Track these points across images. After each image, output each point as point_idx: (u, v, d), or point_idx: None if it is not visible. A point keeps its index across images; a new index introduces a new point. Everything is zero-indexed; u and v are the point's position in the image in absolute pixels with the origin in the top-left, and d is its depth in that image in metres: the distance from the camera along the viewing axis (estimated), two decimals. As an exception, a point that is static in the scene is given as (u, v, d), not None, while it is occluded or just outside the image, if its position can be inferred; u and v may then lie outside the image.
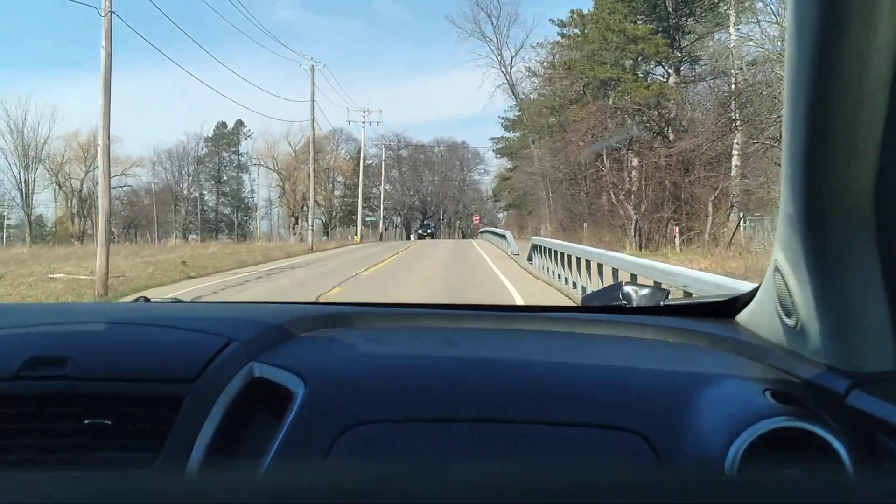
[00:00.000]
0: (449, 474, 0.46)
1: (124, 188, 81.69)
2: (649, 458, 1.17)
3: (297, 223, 78.41)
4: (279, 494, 0.44)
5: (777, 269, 1.29)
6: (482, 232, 62.29)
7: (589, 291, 7.45)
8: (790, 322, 1.29)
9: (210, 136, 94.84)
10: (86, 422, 1.31)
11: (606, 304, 1.94)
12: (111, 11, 17.08)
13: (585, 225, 35.41)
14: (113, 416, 1.31)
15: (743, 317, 1.62)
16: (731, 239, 24.69)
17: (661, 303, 1.87)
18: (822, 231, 1.09)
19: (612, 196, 30.66)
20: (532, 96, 48.13)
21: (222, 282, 20.21)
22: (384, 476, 0.45)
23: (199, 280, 21.53)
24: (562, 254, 18.09)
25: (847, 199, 1.04)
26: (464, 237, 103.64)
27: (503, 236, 34.84)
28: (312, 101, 41.42)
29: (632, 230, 29.30)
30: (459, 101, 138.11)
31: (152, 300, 2.02)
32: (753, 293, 1.57)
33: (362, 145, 67.36)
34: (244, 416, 1.33)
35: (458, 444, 1.22)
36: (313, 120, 41.83)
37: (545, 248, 20.82)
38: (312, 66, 41.79)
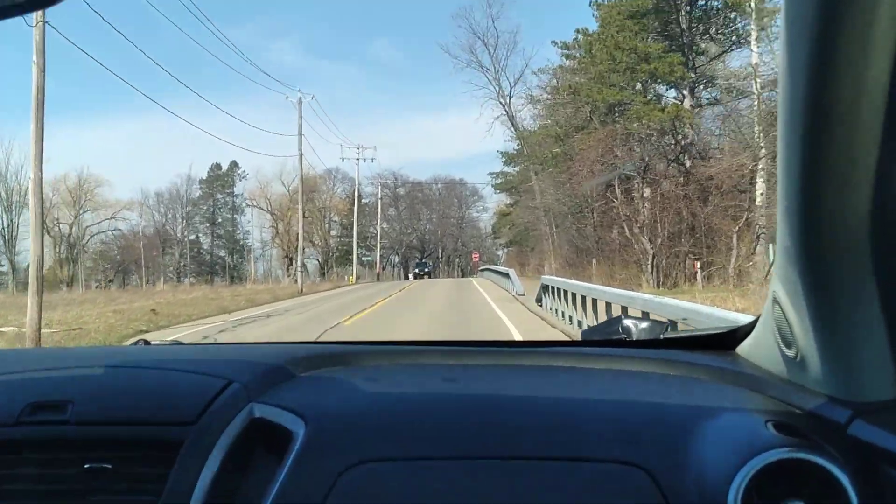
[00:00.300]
0: None
1: (114, 232, 79.25)
2: (652, 492, 1.16)
3: (291, 264, 75.49)
4: None
5: (776, 301, 1.28)
6: (482, 270, 59.92)
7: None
8: (790, 353, 1.28)
9: (204, 178, 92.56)
10: (86, 466, 1.30)
11: (606, 338, 1.93)
12: (43, 21, 14.26)
13: (595, 261, 32.51)
14: (113, 460, 1.30)
15: (743, 348, 1.60)
16: (767, 274, 21.75)
17: (662, 336, 1.85)
18: (819, 263, 1.09)
19: (627, 229, 27.81)
20: (533, 127, 45.51)
21: (181, 335, 17.27)
22: None
23: (160, 332, 18.61)
24: (580, 296, 15.19)
25: (844, 230, 1.04)
26: (463, 275, 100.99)
27: (506, 275, 31.93)
28: (300, 133, 38.81)
29: (648, 266, 26.38)
30: (457, 139, 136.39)
31: (152, 343, 2.00)
32: (753, 325, 1.56)
33: (356, 183, 64.67)
34: (245, 457, 1.33)
35: (460, 482, 1.21)
36: (301, 155, 39.09)
37: (557, 288, 17.81)
38: (300, 97, 39.17)
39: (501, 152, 58.98)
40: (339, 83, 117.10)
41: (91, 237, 77.86)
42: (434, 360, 1.74)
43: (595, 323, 12.99)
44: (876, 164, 0.98)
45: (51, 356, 1.87)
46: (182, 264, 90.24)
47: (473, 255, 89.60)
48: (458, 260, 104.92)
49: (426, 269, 73.82)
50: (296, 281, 74.94)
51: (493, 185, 64.51)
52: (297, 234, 79.45)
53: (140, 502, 1.28)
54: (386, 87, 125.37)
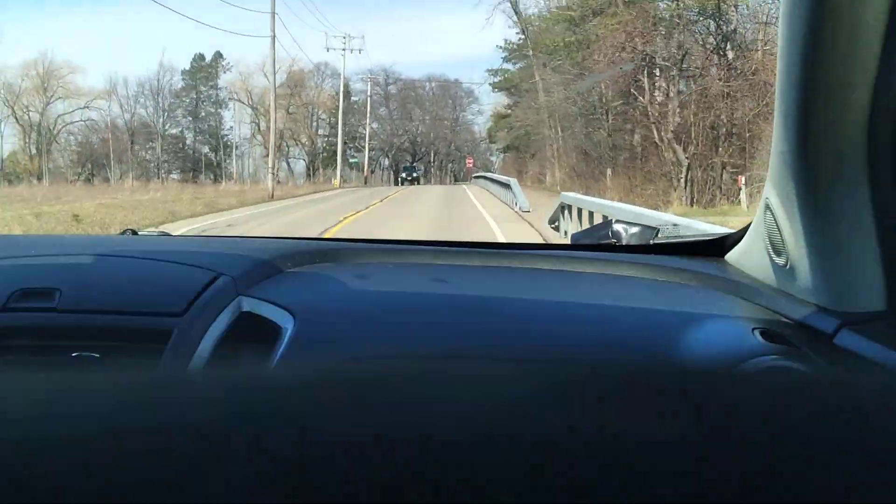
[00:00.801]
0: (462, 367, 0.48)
1: (87, 122, 73.49)
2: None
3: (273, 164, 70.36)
4: (293, 377, 0.44)
5: (768, 208, 1.27)
6: (476, 177, 54.63)
7: None
8: (780, 261, 1.28)
9: (186, 68, 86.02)
10: (73, 355, 1.29)
11: (596, 242, 1.92)
12: None
13: (609, 172, 27.56)
14: (101, 349, 1.29)
15: (733, 256, 1.59)
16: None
17: (651, 241, 1.85)
18: (814, 169, 1.09)
19: (655, 133, 22.64)
20: (540, 13, 39.52)
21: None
22: (398, 363, 0.44)
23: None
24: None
25: (841, 136, 1.04)
26: (455, 181, 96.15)
27: (506, 185, 26.75)
28: (273, 11, 33.10)
29: (683, 180, 21.44)
30: (452, 39, 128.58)
31: (140, 233, 1.99)
32: (743, 232, 1.55)
33: (342, 77, 58.73)
34: (233, 351, 1.31)
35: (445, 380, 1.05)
36: (273, 36, 33.53)
37: (582, 209, 12.73)
38: (272, -31, 33.29)
39: (501, 46, 53.18)
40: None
41: (63, 127, 72.39)
42: (424, 259, 1.73)
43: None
44: (876, 68, 0.96)
45: (38, 243, 1.84)
46: (162, 160, 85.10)
47: (467, 161, 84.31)
48: (450, 165, 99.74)
49: (415, 174, 66.48)
50: (279, 181, 70.38)
51: (490, 84, 58.58)
52: (281, 131, 74.21)
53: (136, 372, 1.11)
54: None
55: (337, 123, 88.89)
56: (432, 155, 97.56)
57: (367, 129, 74.62)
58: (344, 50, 54.94)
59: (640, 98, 23.56)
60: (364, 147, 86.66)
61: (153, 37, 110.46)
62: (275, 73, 34.32)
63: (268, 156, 73.43)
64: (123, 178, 61.84)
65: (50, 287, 1.37)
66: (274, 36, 32.89)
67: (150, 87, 79.53)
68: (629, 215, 9.57)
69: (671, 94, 22.64)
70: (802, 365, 1.11)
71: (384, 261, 1.71)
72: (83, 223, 19.20)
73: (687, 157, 21.29)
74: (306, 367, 0.49)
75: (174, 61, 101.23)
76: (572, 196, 14.45)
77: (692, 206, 20.63)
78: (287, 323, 1.31)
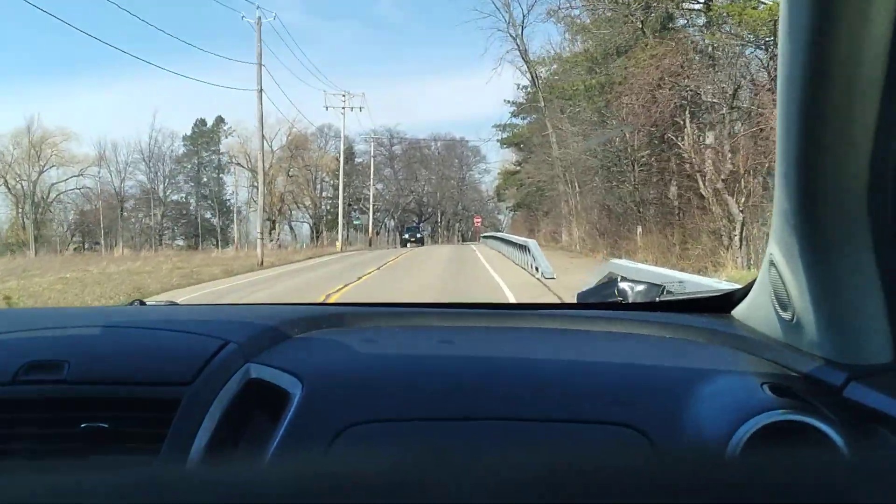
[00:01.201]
0: (460, 469, 0.46)
1: (81, 190, 70.64)
2: (648, 454, 1.10)
3: (273, 228, 66.94)
4: (285, 480, 0.44)
5: (772, 263, 1.28)
6: (485, 237, 51.26)
7: None
8: (786, 316, 1.28)
9: (188, 134, 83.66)
10: (83, 426, 1.29)
11: (602, 301, 1.90)
12: None
13: (640, 230, 23.89)
14: (110, 420, 1.29)
15: (739, 311, 1.59)
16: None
17: (657, 299, 1.83)
18: (816, 225, 1.09)
19: (701, 184, 18.91)
20: (551, 58, 36.35)
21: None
22: (395, 467, 0.45)
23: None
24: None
25: (842, 192, 1.04)
26: (463, 241, 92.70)
27: (522, 247, 23.07)
28: (259, 62, 29.97)
29: (738, 238, 17.70)
30: (458, 98, 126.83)
31: (147, 303, 1.98)
32: (749, 288, 1.55)
33: (342, 135, 55.67)
34: (241, 418, 1.32)
35: (456, 443, 1.22)
36: (260, 90, 30.34)
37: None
38: (259, 16, 30.29)
39: (510, 101, 50.21)
40: (336, 41, 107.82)
41: (57, 196, 69.59)
42: (430, 322, 1.71)
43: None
44: (875, 126, 0.96)
45: (47, 315, 1.82)
46: (164, 226, 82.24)
47: (475, 220, 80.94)
48: (458, 224, 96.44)
49: (418, 235, 62.06)
50: (280, 246, 66.81)
51: (498, 141, 55.50)
52: (281, 195, 71.11)
53: (137, 462, 1.24)
54: (383, 43, 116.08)
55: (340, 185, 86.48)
56: (439, 215, 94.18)
57: (371, 190, 71.31)
58: (343, 108, 51.90)
59: (679, 144, 19.91)
60: (368, 208, 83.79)
61: (147, 100, 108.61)
62: (262, 128, 30.94)
63: (268, 219, 70.33)
64: (121, 246, 58.36)
65: (59, 359, 1.36)
66: (261, 89, 29.59)
67: (148, 152, 76.92)
68: (704, 287, 6.12)
69: (720, 138, 18.96)
70: (812, 418, 1.09)
71: (391, 324, 1.69)
72: (14, 303, 15.61)
73: (741, 211, 17.56)
74: (301, 465, 0.50)
75: (172, 125, 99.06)
76: (625, 265, 10.66)
77: (749, 268, 16.88)
78: (295, 388, 1.30)
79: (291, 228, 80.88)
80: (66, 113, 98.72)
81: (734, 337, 1.48)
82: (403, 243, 58.29)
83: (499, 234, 40.81)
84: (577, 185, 33.48)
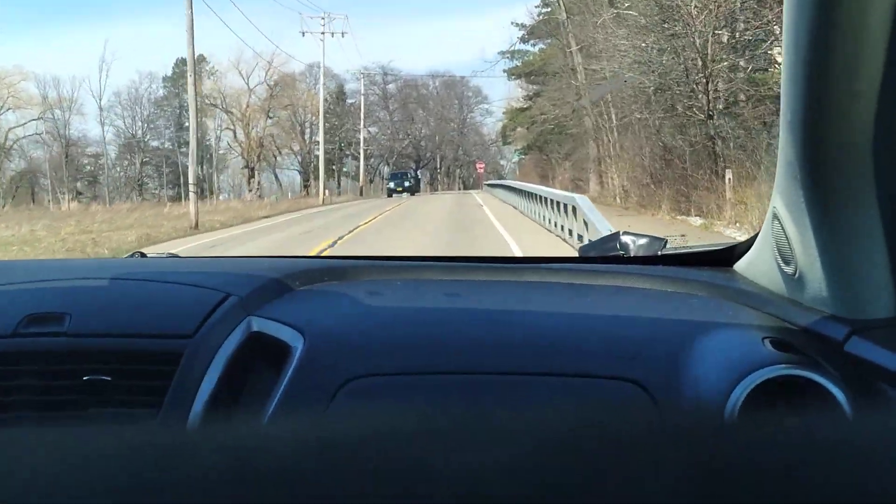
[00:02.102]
0: (461, 422, 0.47)
1: (42, 135, 62.29)
2: (648, 408, 1.16)
3: (252, 176, 58.74)
4: (285, 441, 0.44)
5: (776, 217, 1.26)
6: (491, 185, 42.98)
7: None
8: (789, 270, 1.26)
9: (169, 75, 74.64)
10: (85, 378, 1.27)
11: (604, 255, 1.89)
12: None
13: (730, 177, 15.82)
14: (112, 373, 1.27)
15: (741, 265, 1.57)
16: None
17: (659, 252, 1.81)
18: (821, 177, 1.07)
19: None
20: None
21: None
22: (396, 423, 0.46)
23: None
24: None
25: (847, 144, 1.02)
26: (465, 188, 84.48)
27: (558, 205, 14.87)
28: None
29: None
30: (459, 38, 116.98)
31: (148, 255, 1.95)
32: (752, 241, 1.53)
33: (321, 64, 47.10)
34: (243, 371, 1.30)
35: (459, 397, 1.21)
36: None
37: None
38: None
39: (519, 24, 41.64)
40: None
41: (16, 141, 61.47)
42: (433, 275, 1.68)
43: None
44: (882, 76, 0.94)
45: (48, 267, 1.80)
46: (143, 174, 74.29)
47: (478, 165, 72.80)
48: (458, 171, 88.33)
49: (406, 184, 49.03)
50: (260, 196, 59.03)
51: (505, 71, 46.76)
52: (260, 139, 62.97)
53: (139, 414, 1.24)
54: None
55: (332, 129, 77.87)
56: (438, 160, 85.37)
57: (362, 134, 62.86)
58: (323, 34, 43.41)
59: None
60: (360, 154, 75.50)
61: (121, 42, 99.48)
62: (192, 53, 22.52)
63: (245, 167, 61.98)
64: (67, 200, 50.18)
65: (60, 311, 1.35)
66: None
67: (129, 96, 68.42)
68: None
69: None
70: (813, 373, 1.08)
71: (394, 277, 1.66)
72: None
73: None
74: (302, 423, 0.50)
75: (152, 67, 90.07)
76: None
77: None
78: (297, 342, 1.28)
79: (276, 177, 72.89)
80: (21, 51, 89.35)
81: (736, 291, 1.46)
82: (389, 193, 47.80)
83: (507, 183, 32.69)
84: (611, 116, 25.28)
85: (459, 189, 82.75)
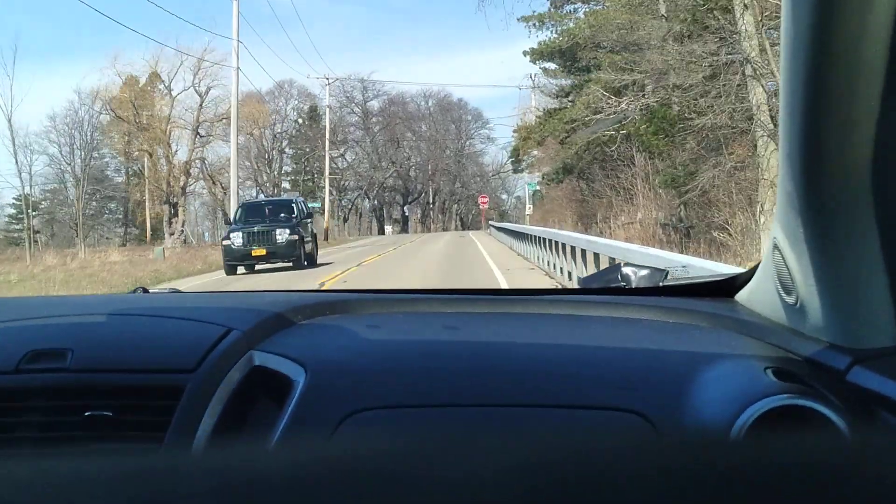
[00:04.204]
0: (463, 455, 0.46)
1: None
2: (651, 439, 1.06)
3: (175, 214, 42.26)
4: (288, 470, 0.44)
5: (776, 247, 1.24)
6: (499, 229, 30.71)
7: None
8: (790, 300, 1.24)
9: (115, 96, 58.52)
10: (87, 414, 1.25)
11: (605, 286, 1.86)
12: None
13: None
14: (114, 408, 1.25)
15: (742, 295, 1.54)
16: None
17: (660, 283, 1.79)
18: (821, 207, 1.05)
19: None
20: None
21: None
22: (397, 453, 0.45)
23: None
24: None
25: (846, 174, 1.00)
26: (463, 227, 68.33)
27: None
28: None
29: None
30: (456, 56, 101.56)
31: (150, 291, 1.94)
32: (752, 272, 1.51)
33: (234, 36, 30.66)
34: (245, 406, 1.28)
35: (459, 429, 1.19)
36: None
37: None
38: None
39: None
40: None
41: None
42: (434, 308, 1.65)
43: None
44: (879, 106, 0.92)
45: (50, 304, 1.80)
46: (87, 213, 58.65)
47: (481, 200, 56.10)
48: (455, 206, 72.84)
49: (280, 237, 18.75)
50: (185, 241, 42.75)
51: (527, 54, 30.03)
52: (182, 162, 46.44)
53: (142, 450, 1.20)
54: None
55: (304, 156, 62.09)
56: (431, 194, 70.06)
57: (327, 161, 46.24)
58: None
59: None
60: (338, 184, 59.49)
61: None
62: None
63: (165, 202, 45.61)
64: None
65: (62, 347, 1.32)
66: None
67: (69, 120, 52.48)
68: None
69: None
70: (815, 402, 1.06)
71: (394, 310, 1.63)
72: None
73: None
74: (305, 451, 0.50)
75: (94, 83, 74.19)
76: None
77: None
78: (299, 375, 1.25)
79: (225, 214, 57.06)
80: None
81: (737, 321, 1.44)
82: (229, 268, 19.06)
83: (522, 228, 20.17)
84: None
85: (457, 228, 66.65)
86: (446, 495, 0.41)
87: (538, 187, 47.68)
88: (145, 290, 1.89)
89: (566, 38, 24.43)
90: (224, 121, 45.20)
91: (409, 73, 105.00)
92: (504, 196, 72.43)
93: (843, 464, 0.45)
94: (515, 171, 48.83)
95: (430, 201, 67.01)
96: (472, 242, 31.81)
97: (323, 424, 1.17)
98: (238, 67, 25.77)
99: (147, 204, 44.86)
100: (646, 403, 1.16)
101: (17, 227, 63.99)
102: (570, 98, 26.66)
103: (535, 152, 43.21)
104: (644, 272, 1.81)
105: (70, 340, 1.34)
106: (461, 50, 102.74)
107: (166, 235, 40.79)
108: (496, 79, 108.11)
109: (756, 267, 1.48)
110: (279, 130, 63.60)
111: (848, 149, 0.98)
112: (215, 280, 18.56)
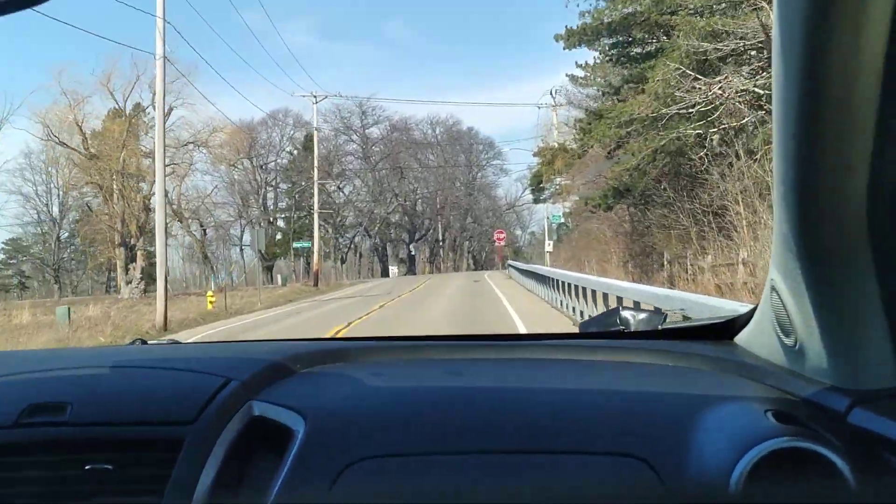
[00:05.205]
0: (465, 500, 0.45)
1: None
2: (653, 483, 1.13)
3: (133, 260, 34.99)
4: None
5: (774, 289, 1.24)
6: (523, 272, 24.63)
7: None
8: (789, 342, 1.24)
9: (98, 129, 52.13)
10: (87, 467, 1.23)
11: (605, 330, 1.84)
12: None
13: None
14: (114, 461, 1.24)
15: (742, 338, 1.53)
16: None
17: (659, 326, 1.76)
18: (817, 249, 1.05)
19: None
20: None
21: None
22: (400, 502, 0.42)
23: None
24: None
25: (842, 216, 1.01)
26: (476, 266, 61.03)
27: None
28: None
29: None
30: (469, 83, 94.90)
31: (149, 343, 1.92)
32: (751, 314, 1.49)
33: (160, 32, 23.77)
34: (245, 456, 1.27)
35: (463, 477, 1.17)
36: None
37: None
38: None
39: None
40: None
41: None
42: (436, 354, 1.65)
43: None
44: (872, 148, 0.93)
45: (50, 357, 1.79)
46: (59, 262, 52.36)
47: (496, 236, 48.79)
48: (467, 244, 65.59)
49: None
50: (144, 292, 35.40)
51: (559, 38, 23.24)
52: (145, 197, 39.40)
53: (142, 503, 1.20)
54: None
55: (294, 189, 55.27)
56: (440, 231, 63.23)
57: (316, 193, 38.85)
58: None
59: None
60: (332, 222, 52.43)
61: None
62: None
63: (120, 244, 37.89)
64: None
65: (61, 401, 1.31)
66: None
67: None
68: None
69: None
70: (816, 445, 1.05)
71: (396, 357, 1.62)
72: None
73: None
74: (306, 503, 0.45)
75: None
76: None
77: None
78: (298, 425, 1.24)
79: (207, 258, 49.88)
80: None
81: (737, 364, 1.43)
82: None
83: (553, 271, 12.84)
84: None
85: (469, 268, 59.31)
86: None
87: (563, 219, 40.60)
88: (143, 342, 1.89)
89: (621, 4, 17.17)
90: (200, 148, 38.64)
91: (414, 99, 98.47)
92: (518, 232, 65.38)
93: None
94: (536, 201, 41.52)
95: (440, 238, 59.85)
96: (490, 291, 24.56)
97: (323, 475, 1.15)
98: (165, 56, 18.83)
99: (124, 243, 37.62)
100: (648, 448, 1.14)
101: (8, 272, 57.53)
102: (619, 98, 19.41)
103: (559, 179, 36.08)
104: (643, 315, 1.78)
105: (69, 394, 1.32)
106: (474, 85, 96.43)
107: (122, 284, 33.86)
108: (510, 113, 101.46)
109: (755, 309, 1.45)
110: (272, 164, 57.09)
111: (843, 191, 0.96)
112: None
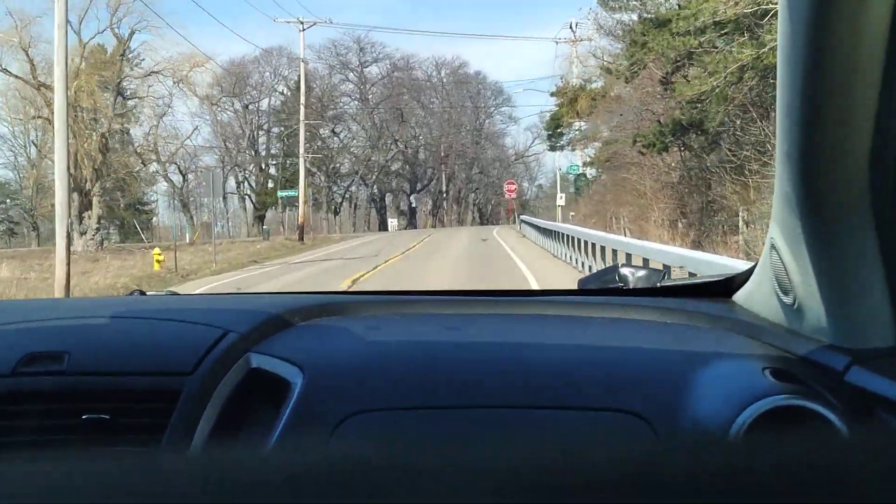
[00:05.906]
0: (461, 457, 0.46)
1: None
2: (649, 440, 1.08)
3: (87, 208, 30.28)
4: (285, 472, 0.44)
5: (773, 248, 1.23)
6: (542, 230, 19.63)
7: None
8: (787, 300, 1.23)
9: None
10: (84, 417, 1.24)
11: (604, 287, 1.82)
12: None
13: None
14: (111, 411, 1.24)
15: (740, 296, 1.52)
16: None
17: (658, 284, 1.75)
18: (818, 208, 1.05)
19: None
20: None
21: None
22: (394, 455, 0.46)
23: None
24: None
25: (843, 175, 1.00)
26: (482, 221, 56.29)
27: None
28: None
29: None
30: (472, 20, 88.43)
31: (148, 294, 1.89)
32: (750, 272, 1.48)
33: None
34: (242, 407, 1.28)
35: (459, 431, 1.19)
36: None
37: None
38: None
39: None
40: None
41: None
42: (432, 309, 1.62)
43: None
44: (875, 107, 0.92)
45: (48, 307, 1.76)
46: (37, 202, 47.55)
47: (507, 188, 44.06)
48: (473, 195, 60.82)
49: None
50: (101, 243, 29.79)
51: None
52: (102, 135, 34.02)
53: (139, 453, 1.12)
54: None
55: (284, 133, 50.39)
56: (444, 181, 58.43)
57: (301, 134, 33.88)
58: None
59: None
60: (325, 168, 47.58)
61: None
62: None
63: (75, 189, 33.01)
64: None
65: (59, 351, 1.30)
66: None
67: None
68: None
69: None
70: (813, 403, 1.05)
71: (393, 312, 1.61)
72: None
73: None
74: (303, 453, 0.50)
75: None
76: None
77: None
78: (296, 378, 1.24)
79: (186, 207, 45.17)
80: None
81: (735, 322, 1.41)
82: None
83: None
84: None
85: (474, 221, 54.59)
86: (444, 498, 0.41)
87: (581, 169, 35.80)
88: (142, 293, 1.87)
89: None
90: (169, 79, 33.62)
91: (415, 36, 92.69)
92: (525, 184, 60.44)
93: (842, 463, 0.44)
94: (553, 148, 36.53)
95: (443, 189, 54.96)
96: (501, 251, 19.96)
97: (321, 427, 1.15)
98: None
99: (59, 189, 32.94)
100: (644, 404, 1.14)
101: None
102: (642, 37, 14.40)
103: (579, 124, 31.14)
104: (642, 273, 1.76)
105: (67, 343, 1.32)
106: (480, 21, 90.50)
107: (76, 236, 29.35)
108: (522, 58, 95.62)
109: (754, 267, 1.44)
110: (265, 106, 52.08)
111: (845, 150, 0.96)
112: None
